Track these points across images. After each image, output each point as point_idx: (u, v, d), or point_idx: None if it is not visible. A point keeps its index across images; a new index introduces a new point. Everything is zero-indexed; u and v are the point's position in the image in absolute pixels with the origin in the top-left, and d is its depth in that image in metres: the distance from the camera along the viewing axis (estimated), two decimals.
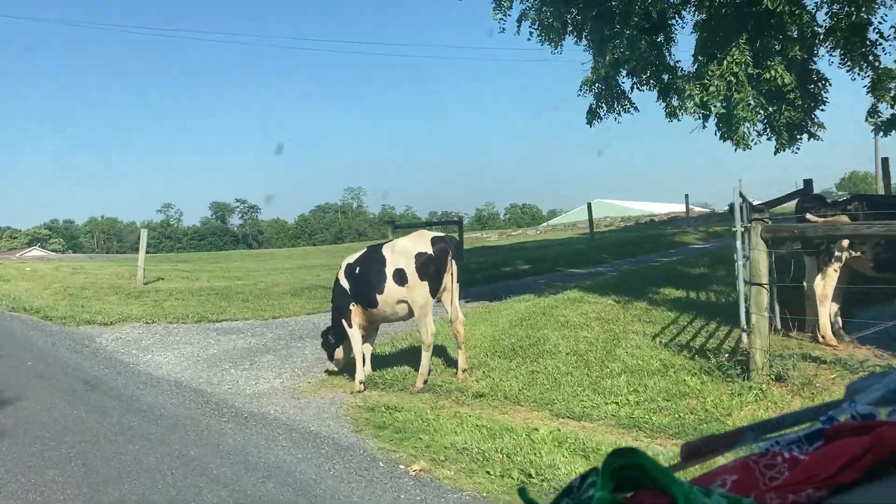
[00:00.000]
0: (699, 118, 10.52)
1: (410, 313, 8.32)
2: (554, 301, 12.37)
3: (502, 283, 16.11)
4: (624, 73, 15.31)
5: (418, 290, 8.09)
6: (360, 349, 8.53)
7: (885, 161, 15.75)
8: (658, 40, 13.33)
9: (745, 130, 10.15)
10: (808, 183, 13.16)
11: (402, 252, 8.23)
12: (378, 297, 8.25)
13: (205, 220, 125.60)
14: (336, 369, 9.04)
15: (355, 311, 8.51)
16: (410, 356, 9.57)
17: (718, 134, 10.91)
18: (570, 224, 40.60)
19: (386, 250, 8.38)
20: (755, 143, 10.61)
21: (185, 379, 9.37)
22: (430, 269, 8.10)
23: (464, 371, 8.29)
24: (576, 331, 9.75)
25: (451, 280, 8.29)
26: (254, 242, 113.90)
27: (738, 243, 7.82)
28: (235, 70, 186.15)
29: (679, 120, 15.74)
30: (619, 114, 15.83)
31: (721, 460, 1.00)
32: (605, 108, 15.68)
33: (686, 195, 31.98)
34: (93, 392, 8.61)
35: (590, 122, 16.04)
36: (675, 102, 15.62)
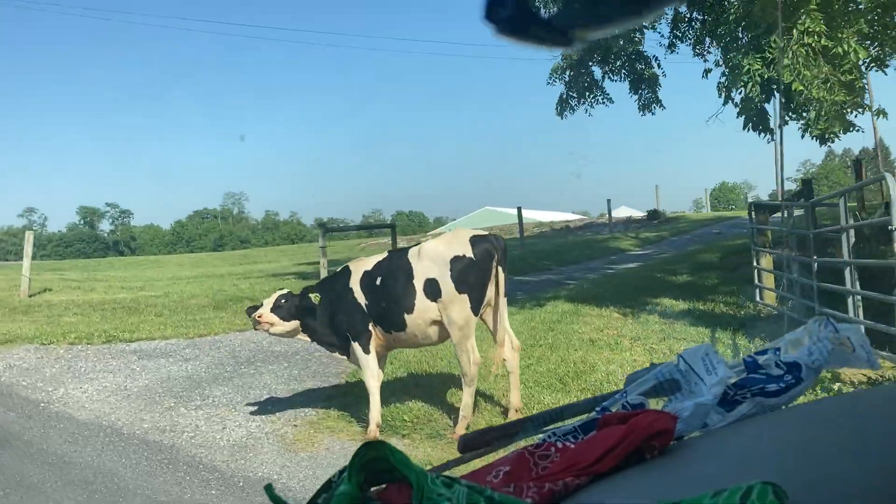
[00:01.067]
0: (757, 97, 9.07)
1: (443, 337, 6.41)
2: (547, 314, 10.79)
3: None
4: (595, 60, 14.10)
5: (456, 306, 6.18)
6: (377, 382, 6.51)
7: (857, 162, 15.11)
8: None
9: (814, 113, 8.78)
10: (808, 183, 12.20)
11: (433, 257, 6.29)
12: (406, 317, 6.25)
13: (72, 226, 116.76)
14: (260, 326, 6.33)
15: (374, 333, 6.48)
16: (416, 386, 7.65)
17: (744, 121, 9.57)
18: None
19: (412, 256, 6.40)
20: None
21: (123, 424, 7.08)
22: (470, 278, 6.22)
23: (517, 411, 6.39)
24: (616, 353, 8.11)
25: (496, 292, 6.43)
26: (126, 249, 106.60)
27: None
28: (105, 63, 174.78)
29: (653, 113, 14.61)
30: (591, 105, 14.54)
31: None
32: (576, 97, 14.36)
33: (608, 200, 31.29)
34: (2, 450, 6.20)
35: (560, 114, 14.69)
36: (647, 94, 14.48)
